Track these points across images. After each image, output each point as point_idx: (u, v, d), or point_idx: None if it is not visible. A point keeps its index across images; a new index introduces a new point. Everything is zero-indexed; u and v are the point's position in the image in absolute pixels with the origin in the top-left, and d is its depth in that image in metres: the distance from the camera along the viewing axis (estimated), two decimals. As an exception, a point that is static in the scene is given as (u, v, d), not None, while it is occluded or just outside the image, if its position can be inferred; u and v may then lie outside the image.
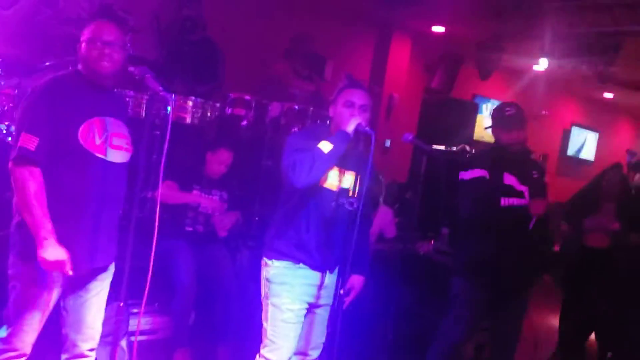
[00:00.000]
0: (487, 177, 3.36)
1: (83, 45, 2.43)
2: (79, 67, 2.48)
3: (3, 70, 4.12)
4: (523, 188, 3.33)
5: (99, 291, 2.56)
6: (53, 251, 2.25)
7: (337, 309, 2.70)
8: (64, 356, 2.56)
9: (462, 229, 3.57)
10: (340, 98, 2.68)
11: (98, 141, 2.38)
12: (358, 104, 2.64)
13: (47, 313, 2.43)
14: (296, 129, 5.00)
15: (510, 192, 3.30)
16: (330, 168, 2.58)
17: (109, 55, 2.41)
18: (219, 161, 4.04)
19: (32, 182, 2.26)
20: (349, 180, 2.67)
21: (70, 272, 2.32)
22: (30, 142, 2.26)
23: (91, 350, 2.58)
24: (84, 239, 2.41)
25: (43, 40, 5.13)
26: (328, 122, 2.88)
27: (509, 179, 3.33)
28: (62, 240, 2.32)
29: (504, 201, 3.30)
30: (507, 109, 3.37)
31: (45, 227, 2.26)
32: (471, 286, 3.42)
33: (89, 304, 2.52)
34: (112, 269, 2.61)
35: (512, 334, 3.50)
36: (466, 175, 3.40)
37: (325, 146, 2.51)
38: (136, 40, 4.95)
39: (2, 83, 4.07)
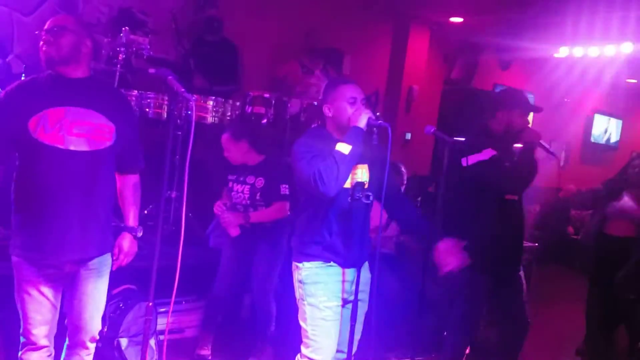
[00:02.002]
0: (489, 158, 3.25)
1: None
2: None
3: (27, 75, 4.17)
4: None
5: (93, 289, 2.55)
6: None
7: (369, 308, 2.73)
8: (66, 342, 2.62)
9: (456, 216, 3.48)
10: (338, 95, 2.64)
11: (48, 130, 2.34)
12: (359, 98, 2.64)
13: (47, 307, 2.47)
14: (316, 124, 5.00)
15: None
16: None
17: (47, 42, 2.41)
18: (227, 150, 3.80)
19: None
20: (362, 174, 2.66)
21: None
22: None
23: (92, 340, 2.62)
24: (48, 229, 2.40)
25: (91, 36, 5.18)
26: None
27: None
28: (27, 229, 2.40)
29: None
30: (527, 95, 3.40)
31: None
32: (473, 276, 3.32)
33: (85, 300, 2.54)
34: (103, 262, 2.56)
35: (518, 313, 3.45)
36: (466, 161, 3.27)
37: (344, 147, 2.49)
38: (155, 41, 5.00)
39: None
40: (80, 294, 2.53)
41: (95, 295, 2.56)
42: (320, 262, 2.65)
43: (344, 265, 2.67)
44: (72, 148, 2.38)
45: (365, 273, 2.76)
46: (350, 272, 2.69)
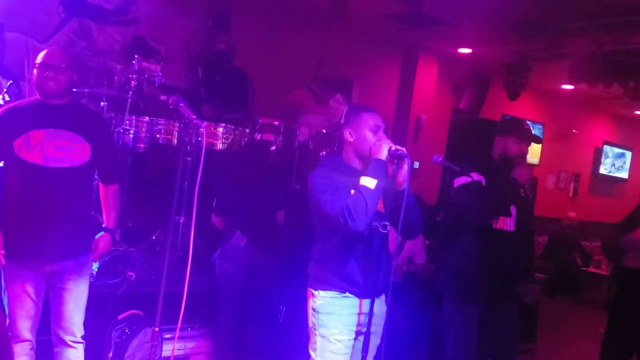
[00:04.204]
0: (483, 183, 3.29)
1: (34, 70, 2.74)
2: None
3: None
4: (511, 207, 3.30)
5: (73, 287, 2.80)
6: None
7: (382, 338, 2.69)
8: (55, 349, 2.82)
9: (442, 240, 3.49)
10: (362, 122, 2.63)
11: (30, 150, 2.66)
12: (382, 127, 2.63)
13: (29, 304, 2.72)
14: (324, 152, 5.02)
15: None
16: None
17: (49, 77, 2.70)
18: None
19: None
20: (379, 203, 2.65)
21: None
22: None
23: (76, 342, 2.82)
24: (30, 234, 2.69)
25: (78, 71, 5.28)
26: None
27: None
28: (12, 234, 2.69)
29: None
30: (526, 123, 3.49)
31: None
32: (462, 304, 3.32)
33: (65, 300, 2.79)
34: (82, 263, 2.83)
35: (509, 341, 3.42)
36: (454, 183, 3.32)
37: (370, 182, 2.47)
38: (167, 69, 5.07)
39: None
40: (61, 290, 2.78)
41: (74, 291, 2.80)
42: (336, 292, 2.62)
43: (360, 295, 2.62)
44: (50, 165, 2.68)
45: (381, 306, 2.69)
46: (366, 304, 2.62)
